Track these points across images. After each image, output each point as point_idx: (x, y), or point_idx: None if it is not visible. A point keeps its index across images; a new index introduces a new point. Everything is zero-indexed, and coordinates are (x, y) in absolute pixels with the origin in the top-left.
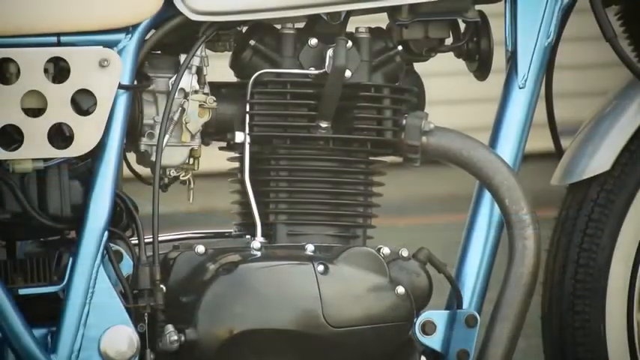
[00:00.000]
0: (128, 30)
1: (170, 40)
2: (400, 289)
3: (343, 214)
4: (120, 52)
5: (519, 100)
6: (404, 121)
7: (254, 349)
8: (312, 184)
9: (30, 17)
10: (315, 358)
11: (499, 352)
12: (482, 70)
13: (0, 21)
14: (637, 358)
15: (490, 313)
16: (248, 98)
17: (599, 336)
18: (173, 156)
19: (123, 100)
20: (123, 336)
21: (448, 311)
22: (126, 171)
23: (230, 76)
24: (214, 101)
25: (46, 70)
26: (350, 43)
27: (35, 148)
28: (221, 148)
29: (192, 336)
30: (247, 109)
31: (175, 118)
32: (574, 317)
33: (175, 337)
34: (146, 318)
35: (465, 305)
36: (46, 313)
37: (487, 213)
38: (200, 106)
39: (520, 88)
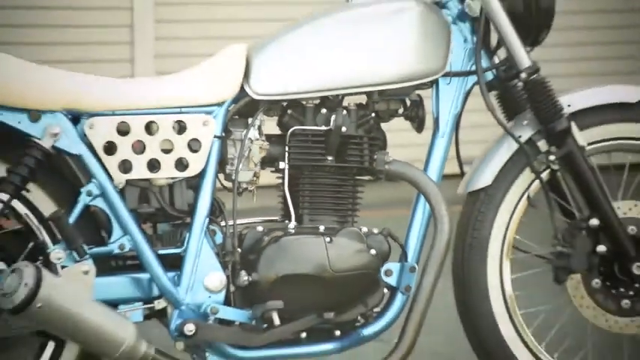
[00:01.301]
0: (219, 104)
1: (243, 109)
2: (372, 251)
3: (341, 209)
4: (215, 117)
5: (440, 144)
6: (375, 156)
7: (289, 286)
8: (323, 192)
9: (163, 97)
10: (325, 290)
11: (427, 285)
12: (420, 127)
13: (147, 98)
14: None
15: (425, 264)
16: (287, 143)
17: (484, 286)
18: (245, 176)
19: (216, 144)
20: (217, 277)
21: (399, 263)
22: (217, 184)
23: (276, 130)
24: (268, 145)
25: (173, 127)
26: (345, 112)
27: (167, 171)
28: (272, 171)
29: (255, 277)
30: (287, 150)
31: (246, 154)
32: (464, 272)
33: (246, 278)
34: (230, 267)
35: (409, 259)
36: (173, 266)
37: (422, 209)
38: (260, 147)
39: (441, 137)
